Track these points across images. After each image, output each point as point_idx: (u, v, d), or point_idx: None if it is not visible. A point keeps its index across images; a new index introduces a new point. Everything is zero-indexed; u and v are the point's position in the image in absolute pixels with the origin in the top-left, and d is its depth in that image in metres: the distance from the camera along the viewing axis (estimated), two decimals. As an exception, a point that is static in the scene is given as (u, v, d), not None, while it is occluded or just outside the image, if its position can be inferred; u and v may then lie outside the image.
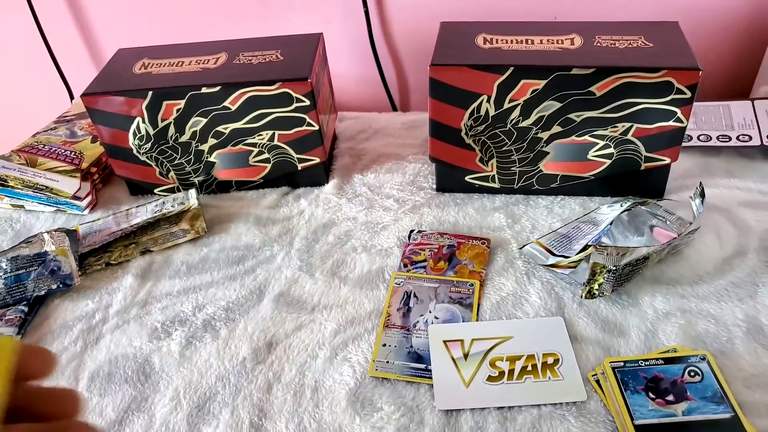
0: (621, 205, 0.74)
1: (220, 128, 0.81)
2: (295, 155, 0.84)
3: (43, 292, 0.71)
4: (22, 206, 0.88)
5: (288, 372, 0.63)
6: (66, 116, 0.99)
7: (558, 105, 0.73)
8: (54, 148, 0.89)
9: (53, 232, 0.76)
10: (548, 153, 0.77)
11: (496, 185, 0.82)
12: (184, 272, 0.76)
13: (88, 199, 0.86)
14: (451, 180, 0.83)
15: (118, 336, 0.68)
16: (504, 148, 0.77)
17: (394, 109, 1.12)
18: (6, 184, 0.84)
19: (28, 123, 1.09)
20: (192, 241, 0.80)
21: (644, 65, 0.69)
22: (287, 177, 0.87)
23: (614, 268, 0.63)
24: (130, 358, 0.66)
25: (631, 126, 0.73)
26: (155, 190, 0.88)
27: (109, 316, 0.71)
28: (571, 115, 0.73)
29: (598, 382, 0.59)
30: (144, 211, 0.83)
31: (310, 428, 0.57)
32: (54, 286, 0.72)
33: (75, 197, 0.84)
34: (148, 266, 0.77)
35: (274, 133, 0.82)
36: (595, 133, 0.74)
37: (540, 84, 0.71)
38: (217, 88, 0.77)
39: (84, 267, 0.76)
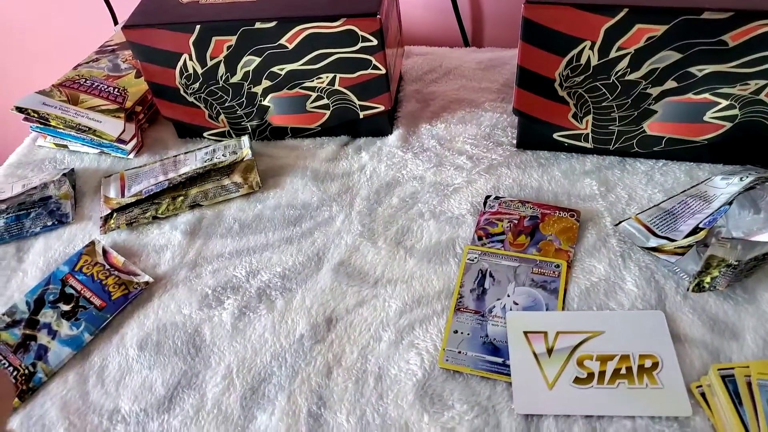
0: (741, 179, 0.63)
1: (275, 69, 0.72)
2: (358, 102, 0.74)
3: (38, 229, 0.72)
4: (65, 146, 0.82)
5: (349, 355, 0.57)
6: (108, 45, 0.91)
7: (677, 56, 0.60)
8: (96, 84, 0.82)
9: (55, 181, 0.75)
10: (656, 112, 0.65)
11: (589, 145, 0.71)
12: (236, 231, 0.70)
13: (134, 142, 0.79)
14: (535, 136, 0.73)
15: (167, 301, 0.64)
16: (604, 104, 0.66)
17: (465, 42, 0.99)
18: (48, 124, 0.78)
19: (69, 50, 1.02)
20: (245, 196, 0.73)
21: (797, 9, 0.55)
22: (347, 125, 0.78)
23: (736, 263, 0.53)
24: (180, 327, 0.61)
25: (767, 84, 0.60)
26: (204, 134, 0.81)
27: (156, 277, 0.66)
28: (692, 69, 0.61)
29: (703, 395, 0.51)
30: (193, 159, 0.77)
31: (373, 423, 0.52)
32: (49, 223, 0.72)
33: (119, 140, 0.78)
34: (197, 222, 0.71)
35: (335, 77, 0.72)
36: (718, 90, 0.62)
37: (659, 30, 0.58)
38: (273, 24, 0.67)
39: (130, 220, 0.71)
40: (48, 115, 0.77)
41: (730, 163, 0.69)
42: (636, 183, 0.69)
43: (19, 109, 0.78)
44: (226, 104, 0.76)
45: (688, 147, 0.68)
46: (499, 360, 0.55)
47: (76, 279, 0.65)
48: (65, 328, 0.61)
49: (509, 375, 0.54)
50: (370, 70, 0.71)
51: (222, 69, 0.72)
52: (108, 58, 0.87)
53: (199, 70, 0.72)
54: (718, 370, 0.51)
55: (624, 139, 0.69)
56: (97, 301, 0.62)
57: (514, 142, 0.75)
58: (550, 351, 0.55)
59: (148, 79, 0.75)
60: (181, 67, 0.72)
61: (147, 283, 0.64)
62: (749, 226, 0.60)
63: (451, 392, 0.53)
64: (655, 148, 0.69)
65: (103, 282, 0.64)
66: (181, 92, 0.75)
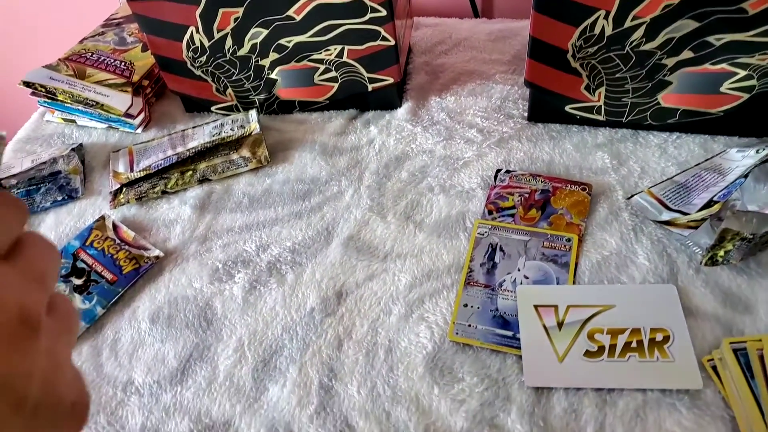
0: (757, 152, 0.62)
1: (282, 41, 0.71)
2: (366, 74, 0.73)
3: (48, 204, 0.72)
4: (73, 121, 0.82)
5: (359, 328, 0.57)
6: (114, 19, 0.90)
7: (695, 25, 0.59)
8: (103, 57, 0.81)
9: (64, 156, 0.75)
10: (671, 83, 0.64)
11: (601, 117, 0.70)
12: (246, 205, 0.70)
13: (141, 116, 0.79)
14: (547, 108, 0.71)
15: (178, 275, 0.64)
16: (617, 75, 0.65)
17: (475, 13, 0.98)
18: (55, 98, 0.77)
19: (75, 24, 1.01)
20: (253, 170, 0.73)
21: (820, -25, 0.54)
22: (355, 98, 0.77)
23: (751, 237, 0.53)
24: (191, 300, 0.62)
25: (787, 53, 0.59)
26: (212, 108, 0.81)
27: (166, 251, 0.66)
28: (710, 38, 0.59)
29: (715, 369, 0.51)
30: (201, 133, 0.76)
31: (384, 394, 0.53)
32: (59, 198, 0.72)
33: (127, 114, 0.77)
34: (206, 196, 0.71)
35: (343, 48, 0.71)
36: (736, 60, 0.60)
37: (677, -3, 0.57)
38: (280, -6, 0.66)
39: (139, 194, 0.71)
40: (55, 89, 0.77)
41: (746, 135, 0.68)
42: (649, 156, 0.68)
43: (27, 84, 0.77)
44: (234, 78, 0.75)
45: (703, 119, 0.67)
46: (509, 333, 0.55)
47: (87, 253, 0.65)
48: (78, 302, 0.61)
49: (519, 348, 0.54)
50: (378, 42, 0.70)
51: (229, 41, 0.71)
52: (114, 32, 0.86)
53: (206, 43, 0.72)
54: (731, 343, 0.51)
55: (637, 112, 0.68)
56: (109, 275, 0.63)
57: (525, 114, 0.74)
58: (560, 324, 0.55)
59: (155, 52, 0.74)
60: (187, 40, 0.72)
61: (158, 257, 0.65)
62: (765, 199, 0.59)
63: (461, 365, 0.54)
64: (669, 121, 0.68)
65: (114, 256, 0.64)
66: (188, 65, 0.75)
